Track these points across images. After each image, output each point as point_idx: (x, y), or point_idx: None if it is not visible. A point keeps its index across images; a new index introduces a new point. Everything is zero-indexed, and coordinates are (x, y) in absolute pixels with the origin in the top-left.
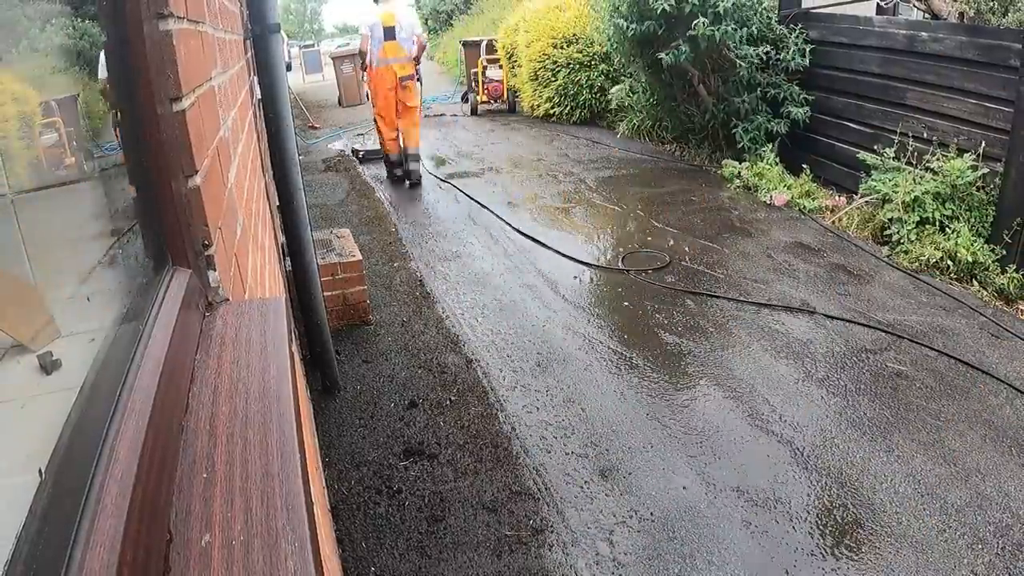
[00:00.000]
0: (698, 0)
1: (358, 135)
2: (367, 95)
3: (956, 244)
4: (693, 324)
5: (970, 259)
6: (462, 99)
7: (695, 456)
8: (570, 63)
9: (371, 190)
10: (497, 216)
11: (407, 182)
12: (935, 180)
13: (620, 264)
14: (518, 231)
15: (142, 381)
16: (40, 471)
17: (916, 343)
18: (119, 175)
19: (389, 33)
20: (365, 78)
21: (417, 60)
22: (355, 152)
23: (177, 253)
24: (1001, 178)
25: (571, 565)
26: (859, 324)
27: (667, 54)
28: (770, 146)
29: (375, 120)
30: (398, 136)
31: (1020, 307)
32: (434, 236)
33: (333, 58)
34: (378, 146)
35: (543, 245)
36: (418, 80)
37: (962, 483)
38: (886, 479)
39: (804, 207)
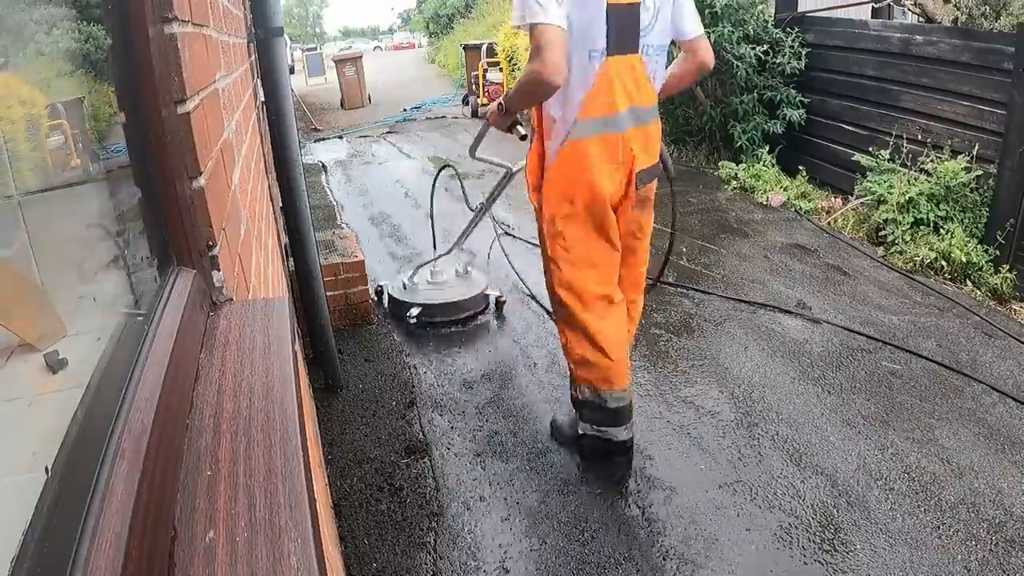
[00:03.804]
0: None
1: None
2: (369, 98)
3: (950, 245)
4: (691, 322)
5: (964, 259)
6: (463, 102)
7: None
8: None
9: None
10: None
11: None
12: (929, 182)
13: None
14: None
15: (147, 380)
16: (46, 469)
17: (904, 347)
18: (124, 176)
19: (626, 30)
20: (523, 167)
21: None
22: (378, 293)
23: (182, 253)
24: (994, 179)
25: None
26: (855, 323)
27: None
28: (767, 148)
29: (555, 296)
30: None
31: (1013, 307)
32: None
33: (336, 61)
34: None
35: None
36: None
37: (956, 480)
38: (881, 476)
39: (800, 208)
